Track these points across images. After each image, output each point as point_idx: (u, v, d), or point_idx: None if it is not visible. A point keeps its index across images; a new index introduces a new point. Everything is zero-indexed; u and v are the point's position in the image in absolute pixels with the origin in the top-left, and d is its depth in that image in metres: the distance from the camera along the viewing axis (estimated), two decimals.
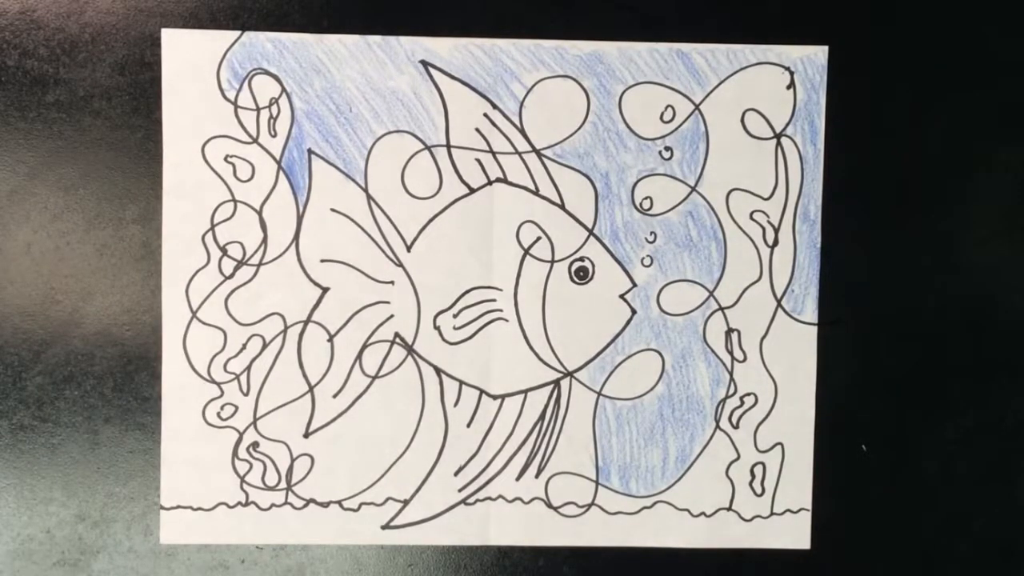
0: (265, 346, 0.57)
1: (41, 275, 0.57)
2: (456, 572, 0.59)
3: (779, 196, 0.58)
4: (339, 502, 0.58)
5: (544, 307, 0.58)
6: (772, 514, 0.59)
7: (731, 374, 0.59)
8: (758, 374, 0.59)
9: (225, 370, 0.57)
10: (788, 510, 0.59)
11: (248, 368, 0.57)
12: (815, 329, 0.59)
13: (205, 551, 0.58)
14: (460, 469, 0.58)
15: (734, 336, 0.59)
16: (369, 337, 0.58)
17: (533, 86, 0.57)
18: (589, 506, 0.59)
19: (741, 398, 0.59)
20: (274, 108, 0.57)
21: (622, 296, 0.58)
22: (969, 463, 0.60)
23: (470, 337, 0.58)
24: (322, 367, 0.57)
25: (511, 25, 0.57)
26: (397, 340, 0.58)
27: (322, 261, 0.57)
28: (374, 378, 0.58)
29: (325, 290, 0.57)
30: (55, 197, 0.56)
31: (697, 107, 0.58)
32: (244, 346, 0.57)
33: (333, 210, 0.57)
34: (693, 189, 0.58)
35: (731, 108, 0.58)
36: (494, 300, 0.58)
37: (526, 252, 0.58)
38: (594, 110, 0.57)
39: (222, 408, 0.57)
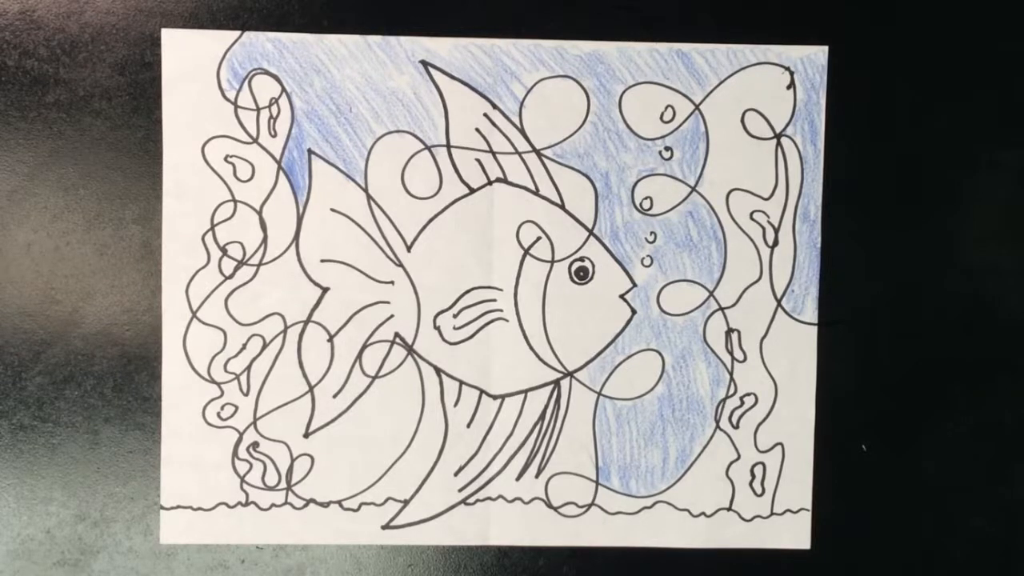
0: (265, 346, 0.57)
1: (41, 275, 0.57)
2: (456, 572, 0.59)
3: (779, 196, 0.58)
4: (339, 502, 0.58)
5: (544, 307, 0.58)
6: (772, 514, 0.59)
7: (731, 374, 0.59)
8: (758, 374, 0.59)
9: (225, 370, 0.57)
10: (788, 510, 0.59)
11: (248, 368, 0.57)
12: (815, 329, 0.59)
13: (205, 551, 0.58)
14: (460, 469, 0.58)
15: (734, 336, 0.59)
16: (369, 337, 0.58)
17: (533, 86, 0.57)
18: (589, 506, 0.59)
19: (741, 398, 0.59)
20: (274, 108, 0.57)
21: (622, 296, 0.58)
22: (969, 463, 0.60)
23: (470, 337, 0.58)
24: (322, 367, 0.57)
25: (511, 25, 0.57)
26: (397, 340, 0.58)
27: (322, 261, 0.57)
28: (374, 378, 0.58)
29: (325, 290, 0.57)
30: (55, 197, 0.56)
31: (697, 107, 0.58)
32: (244, 346, 0.57)
33: (333, 210, 0.57)
34: (693, 189, 0.58)
35: (731, 108, 0.58)
36: (494, 300, 0.58)
37: (526, 252, 0.58)
38: (594, 110, 0.57)
39: (222, 408, 0.57)
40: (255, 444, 0.58)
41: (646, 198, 0.58)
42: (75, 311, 0.57)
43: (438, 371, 0.58)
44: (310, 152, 0.57)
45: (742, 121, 0.58)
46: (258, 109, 0.57)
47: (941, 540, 0.60)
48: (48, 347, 0.57)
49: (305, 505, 0.58)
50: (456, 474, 0.58)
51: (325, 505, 0.58)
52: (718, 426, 0.59)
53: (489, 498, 0.59)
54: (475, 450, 0.58)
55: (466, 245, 0.58)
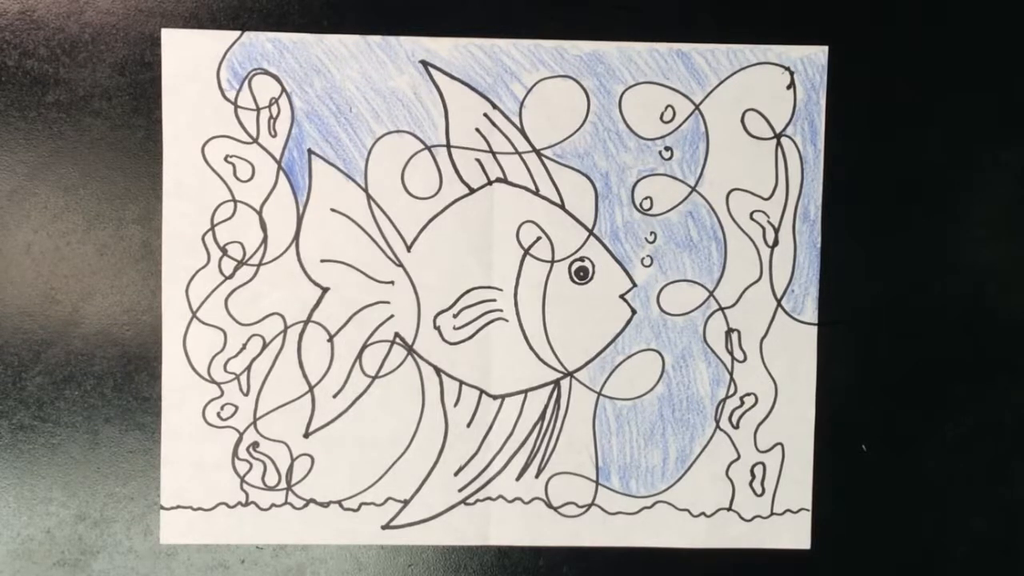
0: (265, 346, 0.57)
1: (41, 275, 0.57)
2: (456, 572, 0.59)
3: (779, 196, 0.58)
4: (339, 502, 0.58)
5: (544, 307, 0.58)
6: (772, 514, 0.59)
7: (731, 374, 0.59)
8: (758, 374, 0.59)
9: (225, 370, 0.57)
10: (788, 510, 0.59)
11: (248, 368, 0.57)
12: (815, 329, 0.59)
13: (205, 551, 0.58)
14: (460, 469, 0.58)
15: (734, 336, 0.59)
16: (369, 337, 0.58)
17: (533, 86, 0.57)
18: (589, 506, 0.59)
19: (741, 398, 0.59)
20: (274, 108, 0.57)
21: (622, 296, 0.58)
22: (969, 463, 0.60)
23: (470, 337, 0.58)
24: (322, 367, 0.57)
25: (511, 25, 0.57)
26: (397, 340, 0.58)
27: (322, 261, 0.57)
28: (374, 378, 0.58)
29: (325, 290, 0.57)
30: (55, 197, 0.56)
31: (697, 107, 0.58)
32: (244, 346, 0.57)
33: (333, 210, 0.57)
34: (693, 189, 0.58)
35: (731, 108, 0.58)
36: (494, 300, 0.58)
37: (526, 252, 0.58)
38: (594, 110, 0.58)
39: (222, 408, 0.57)
40: (255, 444, 0.58)
41: (646, 198, 0.58)
42: (75, 311, 0.57)
43: (438, 371, 0.58)
44: (310, 152, 0.57)
45: (742, 121, 0.58)
46: (258, 109, 0.57)
47: (941, 540, 0.60)
48: (48, 347, 0.57)
49: (305, 505, 0.58)
50: (456, 474, 0.58)
51: (325, 505, 0.58)
52: (718, 426, 0.59)
53: (489, 498, 0.59)
54: (475, 450, 0.58)
55: (466, 245, 0.58)
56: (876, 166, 0.58)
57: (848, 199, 0.58)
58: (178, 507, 0.58)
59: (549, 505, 0.59)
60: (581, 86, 0.57)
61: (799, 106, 0.58)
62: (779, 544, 0.59)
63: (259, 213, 0.57)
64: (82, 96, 0.56)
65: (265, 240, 0.57)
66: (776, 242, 0.58)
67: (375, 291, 0.58)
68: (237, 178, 0.57)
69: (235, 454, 0.58)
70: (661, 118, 0.58)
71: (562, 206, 0.58)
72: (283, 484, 0.58)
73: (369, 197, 0.57)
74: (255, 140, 0.57)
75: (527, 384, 0.58)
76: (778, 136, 0.58)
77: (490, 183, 0.58)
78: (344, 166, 0.57)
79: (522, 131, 0.57)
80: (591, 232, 0.58)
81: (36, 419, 0.57)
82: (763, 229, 0.58)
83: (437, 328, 0.58)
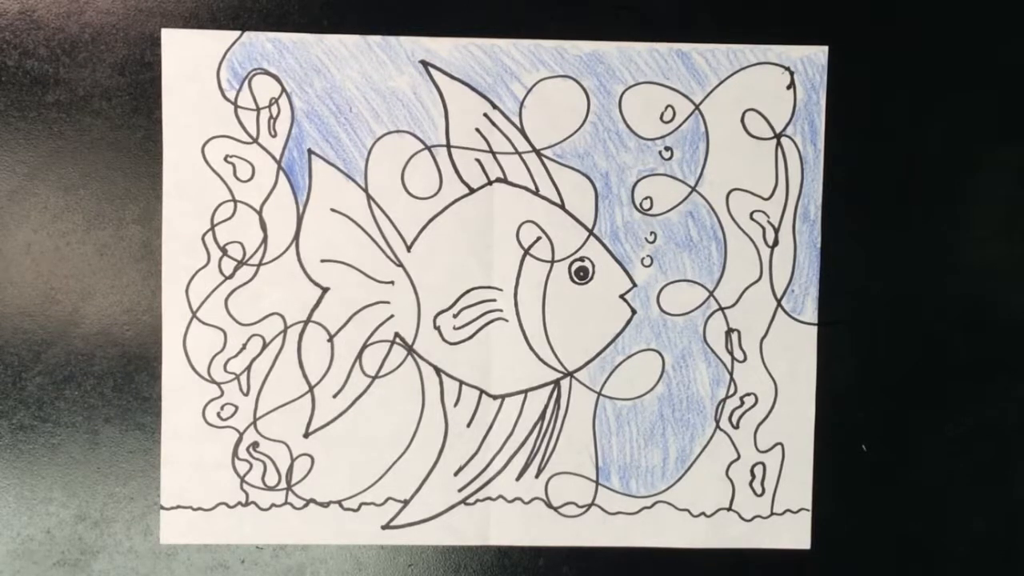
0: (265, 346, 0.57)
1: (41, 275, 0.57)
2: (456, 572, 0.59)
3: (779, 196, 0.58)
4: (339, 502, 0.58)
5: (544, 307, 0.58)
6: (772, 514, 0.59)
7: (731, 374, 0.59)
8: (758, 374, 0.59)
9: (225, 370, 0.57)
10: (788, 510, 0.59)
11: (248, 368, 0.57)
12: (815, 329, 0.59)
13: (205, 551, 0.58)
14: (460, 469, 0.58)
15: (734, 336, 0.59)
16: (369, 337, 0.58)
17: (533, 86, 0.57)
18: (589, 506, 0.59)
19: (741, 398, 0.59)
20: (274, 108, 0.57)
21: (622, 296, 0.58)
22: (969, 463, 0.60)
23: (470, 337, 0.58)
24: (322, 367, 0.57)
25: (511, 25, 0.57)
26: (397, 340, 0.58)
27: (322, 261, 0.57)
28: (374, 378, 0.58)
29: (325, 290, 0.57)
30: (55, 197, 0.56)
31: (697, 107, 0.58)
32: (244, 346, 0.57)
33: (333, 210, 0.57)
34: (693, 189, 0.58)
35: (731, 108, 0.58)
36: (494, 300, 0.58)
37: (526, 252, 0.58)
38: (594, 110, 0.58)
39: (222, 408, 0.57)
40: (255, 444, 0.58)
41: (646, 198, 0.58)
42: (75, 311, 0.57)
43: (438, 371, 0.58)
44: (310, 152, 0.57)
45: (742, 121, 0.58)
46: (258, 109, 0.57)
47: (941, 540, 0.60)
48: (48, 347, 0.57)
49: (305, 505, 0.58)
50: (456, 474, 0.58)
51: (325, 505, 0.58)
52: (718, 426, 0.59)
53: (489, 498, 0.59)
54: (475, 450, 0.58)
55: (466, 245, 0.58)
56: (876, 166, 0.58)
57: (848, 199, 0.58)
58: (178, 507, 0.58)
59: (549, 505, 0.59)
60: (581, 86, 0.57)
61: (799, 106, 0.58)
62: (779, 544, 0.59)
63: (259, 213, 0.57)
64: (82, 96, 0.56)
65: (265, 240, 0.57)
66: (776, 242, 0.58)
67: (375, 291, 0.58)
68: (237, 178, 0.57)
69: (235, 454, 0.58)
70: (661, 118, 0.58)
71: (562, 206, 0.58)
72: (283, 484, 0.58)
73: (369, 197, 0.57)
74: (255, 140, 0.57)
75: (527, 384, 0.58)
76: (778, 136, 0.58)
77: (490, 183, 0.58)
78: (344, 166, 0.57)
79: (522, 131, 0.57)
80: (591, 232, 0.58)
81: (36, 419, 0.57)
82: (763, 229, 0.58)
83: (437, 328, 0.58)
